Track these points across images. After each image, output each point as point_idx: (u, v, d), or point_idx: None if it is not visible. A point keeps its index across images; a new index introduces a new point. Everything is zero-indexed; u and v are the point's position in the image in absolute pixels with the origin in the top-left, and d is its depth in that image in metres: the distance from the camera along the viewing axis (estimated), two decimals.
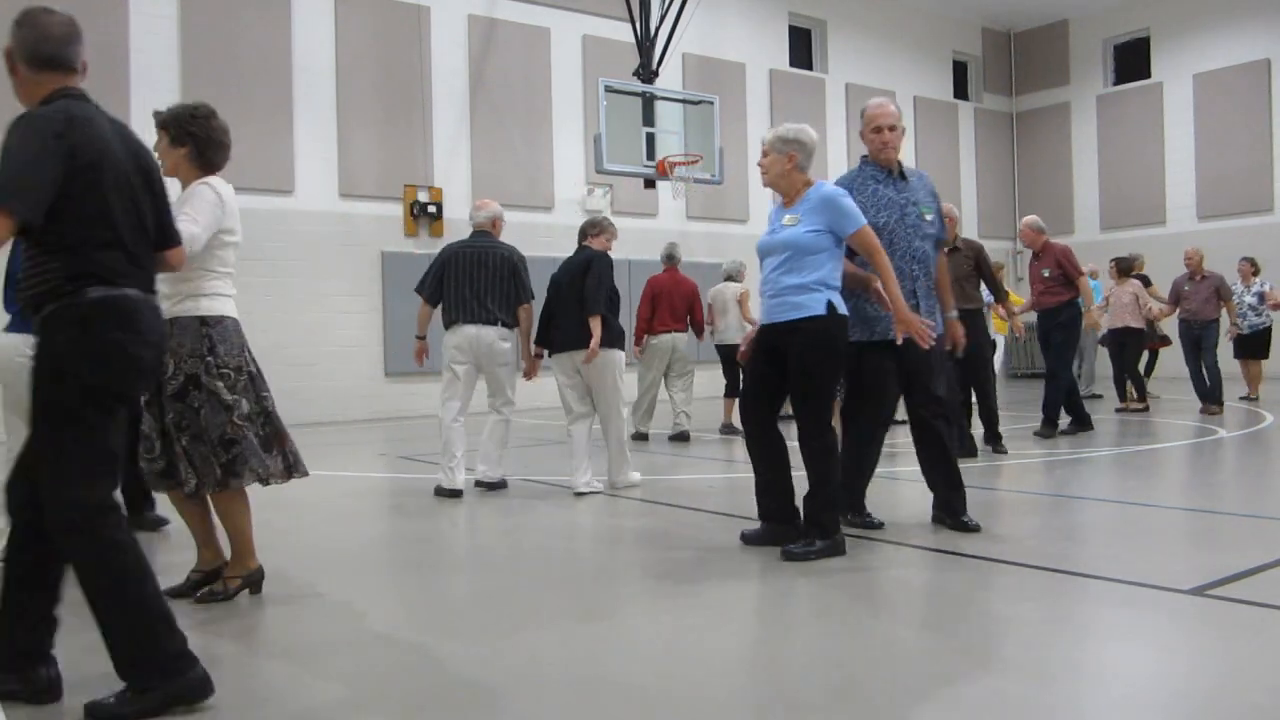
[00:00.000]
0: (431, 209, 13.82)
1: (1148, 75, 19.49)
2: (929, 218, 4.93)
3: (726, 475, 7.32)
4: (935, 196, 5.05)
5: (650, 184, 12.97)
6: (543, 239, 13.96)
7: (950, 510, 4.94)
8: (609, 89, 12.02)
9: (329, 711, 2.75)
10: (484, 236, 6.61)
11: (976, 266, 7.76)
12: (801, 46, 18.53)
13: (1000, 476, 6.94)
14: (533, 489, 6.71)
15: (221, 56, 12.45)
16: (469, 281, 6.37)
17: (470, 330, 6.32)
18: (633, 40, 13.68)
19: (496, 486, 6.57)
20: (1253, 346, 12.10)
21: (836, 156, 18.30)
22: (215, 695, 2.70)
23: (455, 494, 6.28)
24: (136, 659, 2.63)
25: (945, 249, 5.27)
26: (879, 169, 4.93)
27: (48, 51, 2.77)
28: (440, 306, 6.50)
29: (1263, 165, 17.81)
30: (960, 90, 20.83)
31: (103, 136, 2.74)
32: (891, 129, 4.86)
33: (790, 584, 4.08)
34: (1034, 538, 4.89)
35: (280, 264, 12.51)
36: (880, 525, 4.95)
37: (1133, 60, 19.91)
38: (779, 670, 3.03)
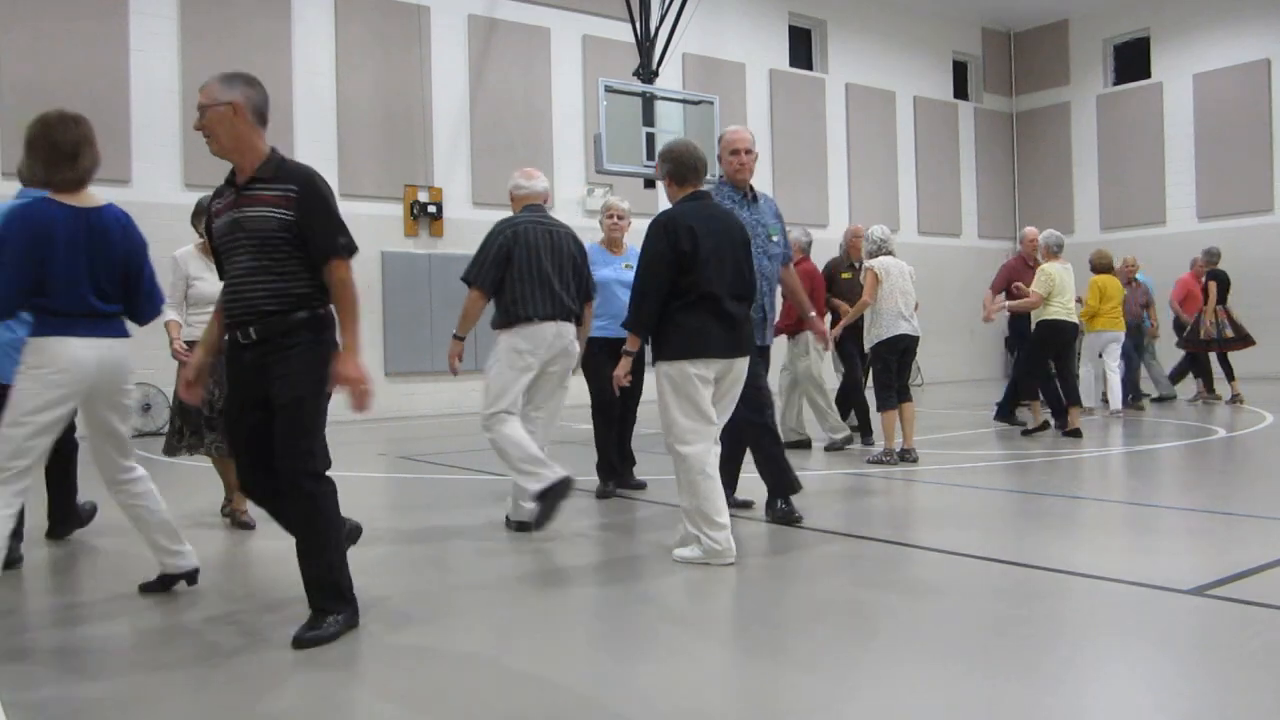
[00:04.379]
0: (431, 209, 13.82)
1: (1148, 75, 19.48)
2: (775, 238, 5.38)
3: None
4: (780, 218, 5.52)
5: (650, 184, 12.94)
6: None
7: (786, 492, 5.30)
8: (609, 89, 12.00)
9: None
10: (541, 211, 5.37)
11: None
12: (801, 46, 18.52)
13: (999, 475, 6.95)
14: None
15: (221, 56, 12.42)
16: (543, 267, 5.15)
17: (550, 328, 5.14)
18: (633, 40, 13.68)
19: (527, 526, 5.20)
20: None
21: (837, 157, 18.31)
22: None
23: (563, 483, 4.86)
24: (339, 585, 3.39)
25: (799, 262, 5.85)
26: (735, 190, 5.31)
27: (266, 115, 3.46)
28: (501, 298, 5.17)
29: (1263, 165, 17.80)
30: (960, 90, 20.82)
31: None
32: (747, 152, 5.24)
33: (778, 585, 4.08)
34: (1033, 537, 4.89)
35: None
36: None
37: (1133, 60, 19.90)
38: (776, 671, 3.03)
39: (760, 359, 5.26)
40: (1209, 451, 8.08)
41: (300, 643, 3.24)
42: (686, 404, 4.33)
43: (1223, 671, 2.90)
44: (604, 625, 3.67)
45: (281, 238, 3.36)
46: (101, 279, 3.62)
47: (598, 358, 6.17)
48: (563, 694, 2.85)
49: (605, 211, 6.58)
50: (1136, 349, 11.77)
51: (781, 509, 5.24)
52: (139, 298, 3.81)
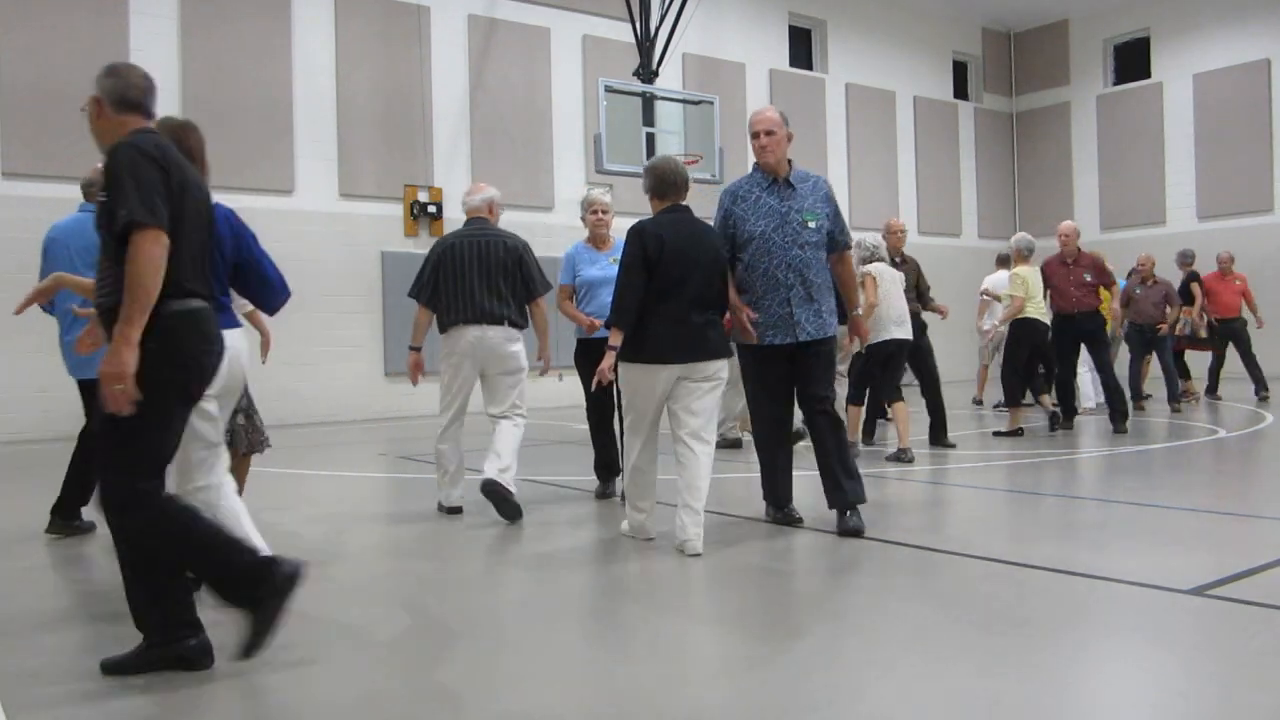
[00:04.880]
0: (431, 209, 13.82)
1: (1148, 75, 19.49)
2: (812, 224, 4.97)
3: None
4: (830, 201, 5.12)
5: None
6: (542, 239, 13.94)
7: (837, 505, 4.97)
8: (609, 89, 12.01)
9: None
10: (480, 224, 5.76)
11: (918, 276, 8.66)
12: (801, 46, 18.53)
13: (999, 475, 6.95)
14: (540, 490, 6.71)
15: (222, 56, 12.45)
16: (467, 276, 5.56)
17: (471, 332, 5.54)
18: (633, 40, 13.68)
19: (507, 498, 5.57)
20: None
21: (837, 157, 18.32)
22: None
23: (455, 511, 5.73)
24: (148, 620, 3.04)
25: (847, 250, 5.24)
26: (764, 176, 5.06)
27: (133, 97, 3.18)
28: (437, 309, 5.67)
29: (1263, 165, 17.81)
30: (960, 90, 20.83)
31: (183, 163, 3.10)
32: (767, 134, 4.96)
33: (777, 585, 4.08)
34: (1033, 537, 4.89)
35: (280, 264, 12.42)
36: (800, 521, 5.16)
37: (1133, 60, 19.91)
38: (776, 672, 3.03)
39: (807, 354, 4.95)
40: (1209, 451, 8.08)
41: (105, 667, 3.03)
42: (629, 401, 4.77)
43: (1223, 671, 2.90)
44: (600, 624, 3.67)
45: (104, 227, 3.01)
46: (220, 272, 3.67)
47: (587, 357, 6.03)
48: (565, 692, 2.85)
49: (588, 207, 6.27)
50: (1148, 345, 11.72)
51: (773, 514, 5.22)
52: (264, 287, 3.84)
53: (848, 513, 4.88)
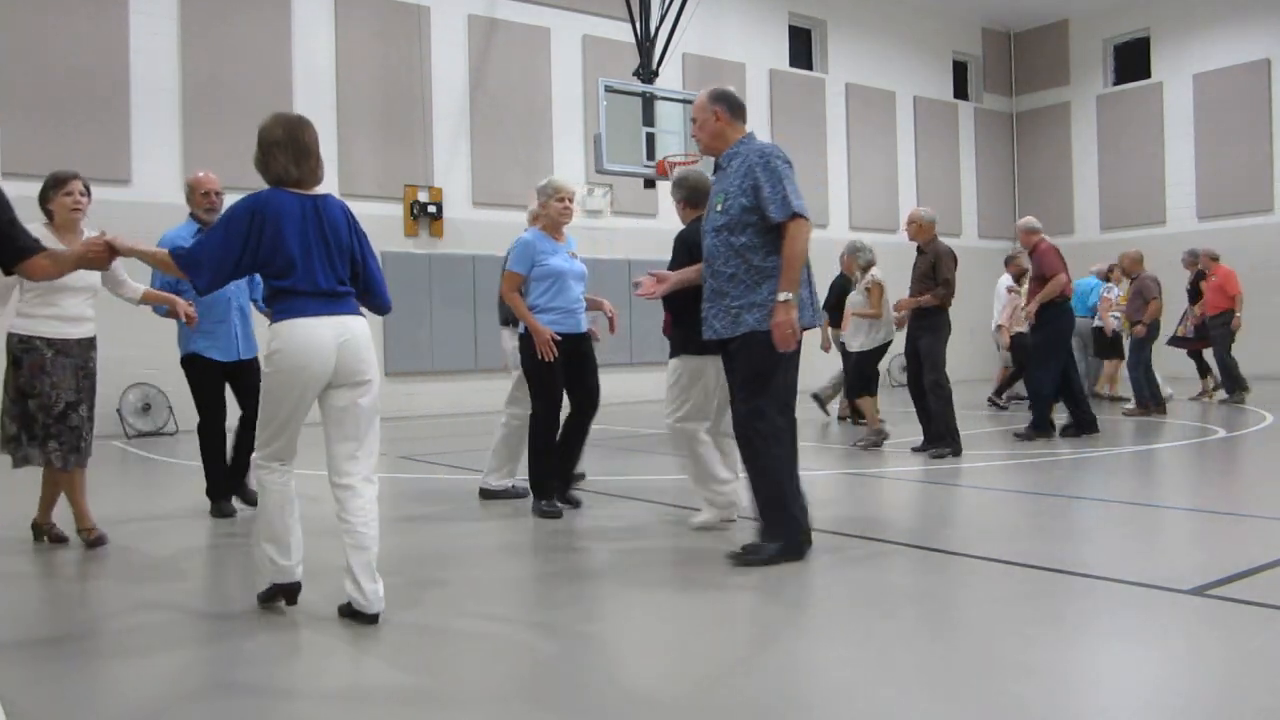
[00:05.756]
0: (431, 209, 13.82)
1: (1148, 75, 19.48)
2: (718, 207, 4.41)
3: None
4: (748, 174, 4.34)
5: (650, 184, 12.96)
6: None
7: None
8: (609, 89, 12.01)
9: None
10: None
11: (932, 267, 7.80)
12: (801, 46, 18.53)
13: (999, 475, 6.95)
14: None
15: (221, 56, 12.45)
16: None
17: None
18: (633, 40, 13.68)
19: (505, 494, 6.13)
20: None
21: (837, 157, 18.31)
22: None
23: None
24: None
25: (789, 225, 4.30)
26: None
27: None
28: None
29: (1263, 165, 17.80)
30: (960, 90, 20.82)
31: None
32: (693, 121, 4.63)
33: (780, 585, 4.08)
34: (1033, 537, 4.89)
35: None
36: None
37: (1133, 60, 19.90)
38: (777, 671, 3.03)
39: (728, 356, 4.46)
40: (1209, 451, 8.08)
41: None
42: (692, 390, 5.03)
43: (1223, 671, 2.90)
44: (595, 624, 3.67)
45: None
46: (335, 259, 3.61)
47: (544, 357, 5.47)
48: (562, 689, 2.85)
49: (555, 194, 5.64)
50: (1133, 345, 11.65)
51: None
52: (367, 293, 3.74)
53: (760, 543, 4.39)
